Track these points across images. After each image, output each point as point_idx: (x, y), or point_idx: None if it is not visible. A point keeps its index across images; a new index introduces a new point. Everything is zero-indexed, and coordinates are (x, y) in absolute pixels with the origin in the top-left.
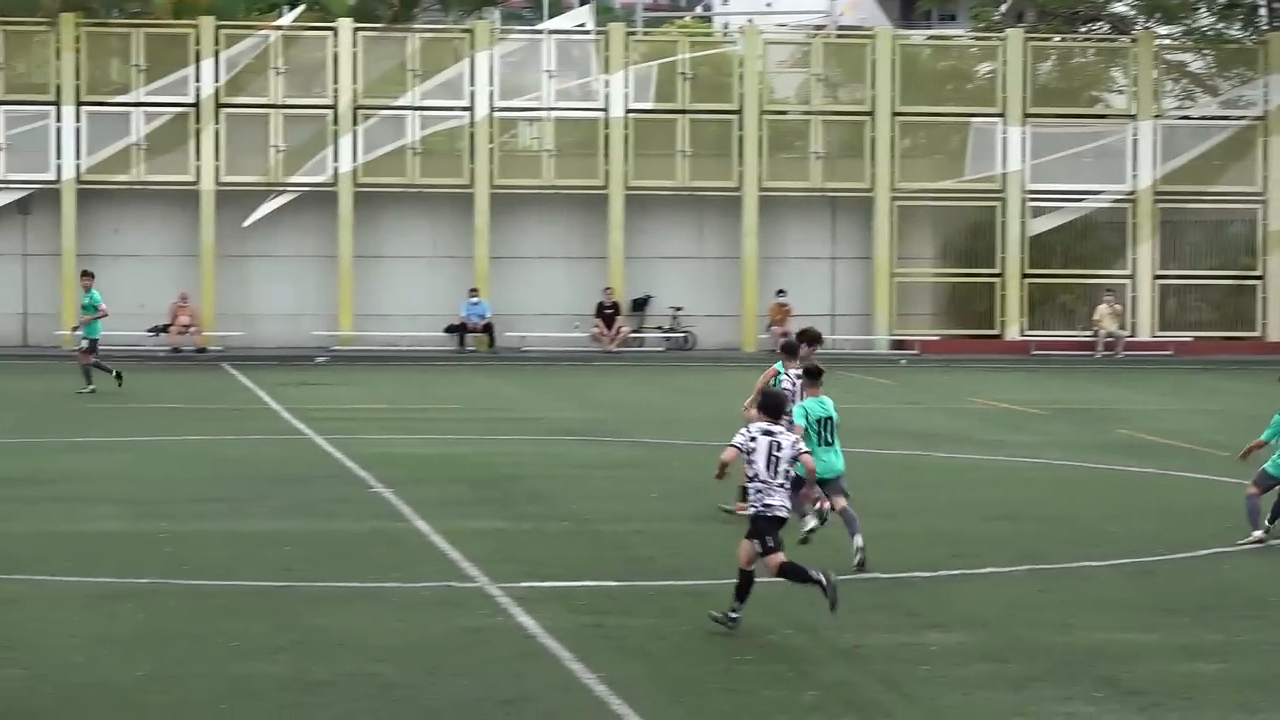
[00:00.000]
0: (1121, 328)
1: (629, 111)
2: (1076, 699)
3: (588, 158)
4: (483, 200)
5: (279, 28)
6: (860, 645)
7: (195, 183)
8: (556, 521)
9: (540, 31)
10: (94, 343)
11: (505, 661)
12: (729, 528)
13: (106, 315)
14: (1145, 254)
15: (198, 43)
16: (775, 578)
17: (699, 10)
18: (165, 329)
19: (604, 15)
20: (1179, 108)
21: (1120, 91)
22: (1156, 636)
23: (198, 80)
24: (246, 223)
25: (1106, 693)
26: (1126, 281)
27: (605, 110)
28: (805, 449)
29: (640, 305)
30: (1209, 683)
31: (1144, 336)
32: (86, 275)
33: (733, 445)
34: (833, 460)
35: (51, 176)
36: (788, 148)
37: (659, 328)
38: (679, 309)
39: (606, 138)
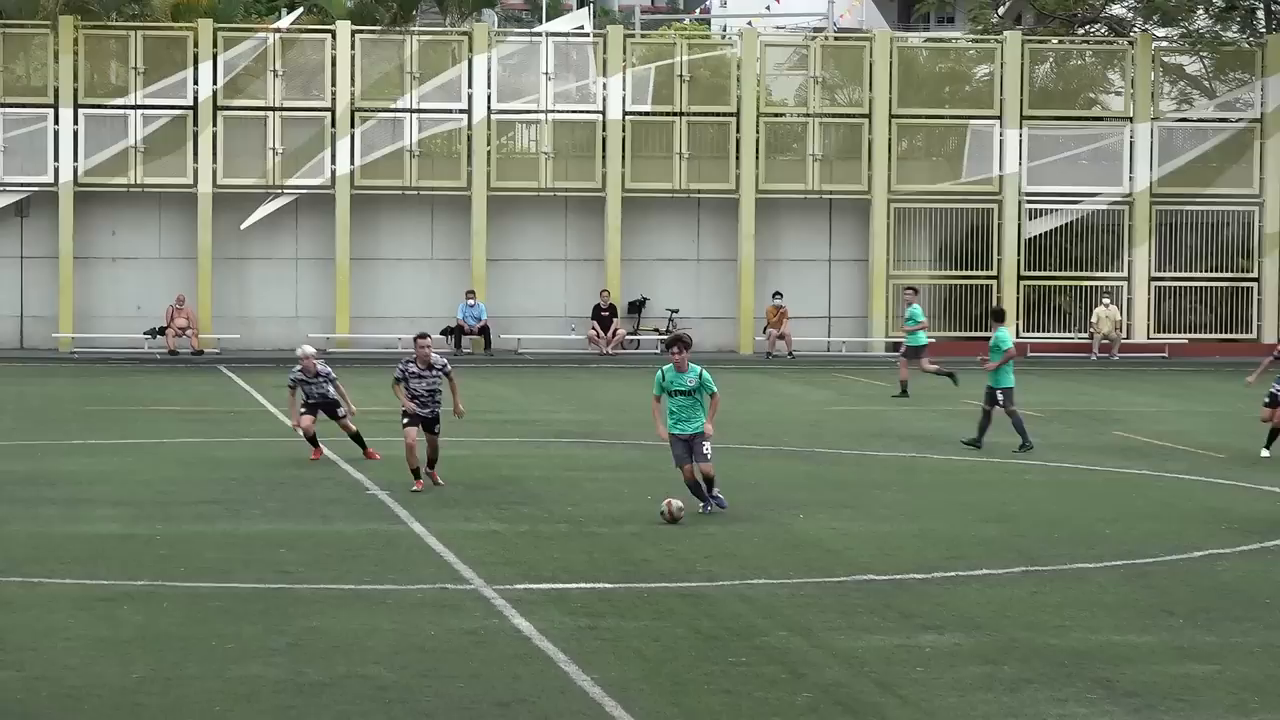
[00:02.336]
0: (1118, 330)
1: (626, 114)
2: (1071, 701)
3: (585, 160)
4: (480, 203)
5: (277, 30)
6: (856, 648)
7: (193, 185)
8: (552, 524)
9: (538, 34)
10: None
11: (501, 663)
12: (724, 530)
13: None
14: (1141, 256)
15: (196, 45)
16: None
17: (697, 13)
18: (162, 331)
19: (603, 18)
20: (1176, 110)
21: (1117, 94)
22: (1151, 638)
23: (196, 83)
24: (244, 225)
25: (1101, 694)
26: (1123, 284)
27: (603, 113)
28: None
29: (637, 308)
30: (1203, 684)
31: (1140, 339)
32: None
33: None
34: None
35: (49, 179)
36: (785, 150)
37: (655, 330)
38: (675, 311)
39: (604, 140)
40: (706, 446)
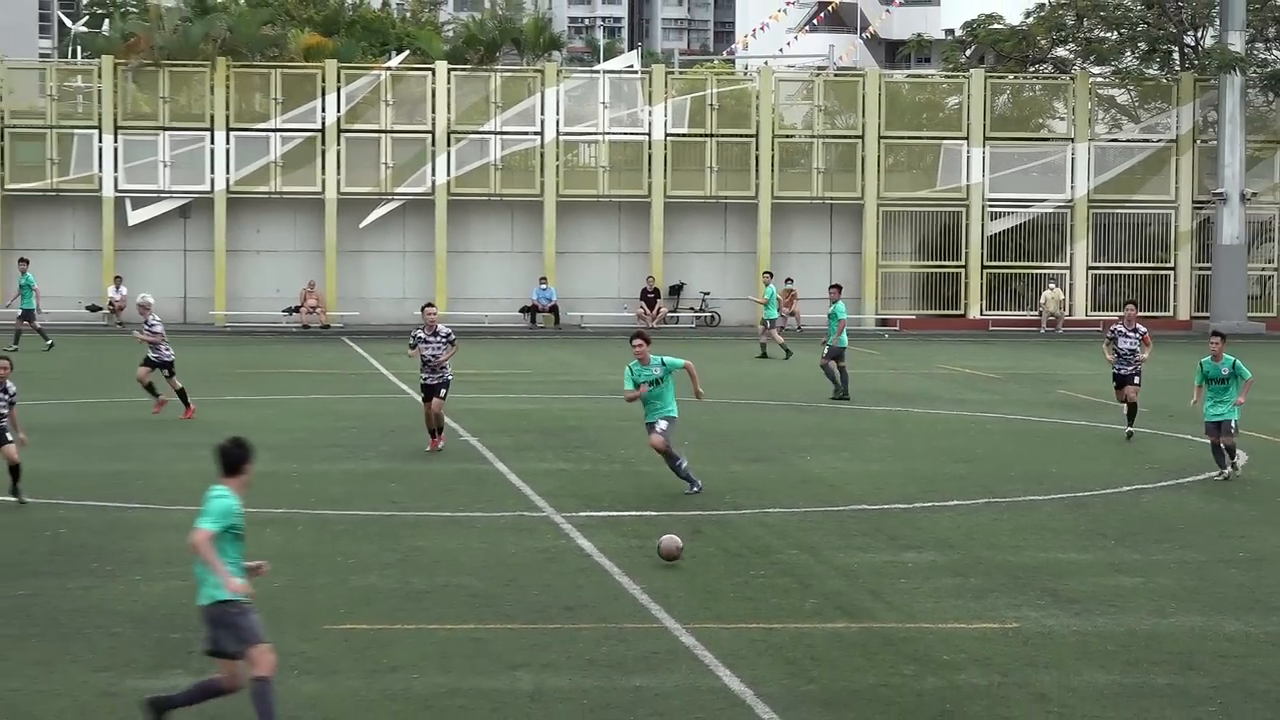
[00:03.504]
0: (1062, 309)
1: (668, 135)
2: (1024, 606)
3: (634, 172)
4: (550, 206)
5: (388, 68)
6: (852, 563)
7: (321, 192)
8: (609, 464)
9: (597, 71)
10: (29, 313)
11: (567, 575)
12: (746, 469)
13: (39, 293)
14: (1081, 250)
15: (323, 80)
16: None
17: (725, 55)
18: (297, 310)
19: (648, 58)
20: (1108, 132)
21: (1061, 119)
22: (1089, 556)
23: (323, 110)
24: (362, 224)
25: (1048, 600)
26: (1066, 271)
27: (649, 134)
28: None
29: (676, 291)
30: (1130, 593)
31: (1079, 316)
32: (23, 261)
33: None
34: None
35: (206, 188)
36: (795, 164)
37: (691, 309)
38: (707, 294)
39: (649, 156)
40: (662, 424)
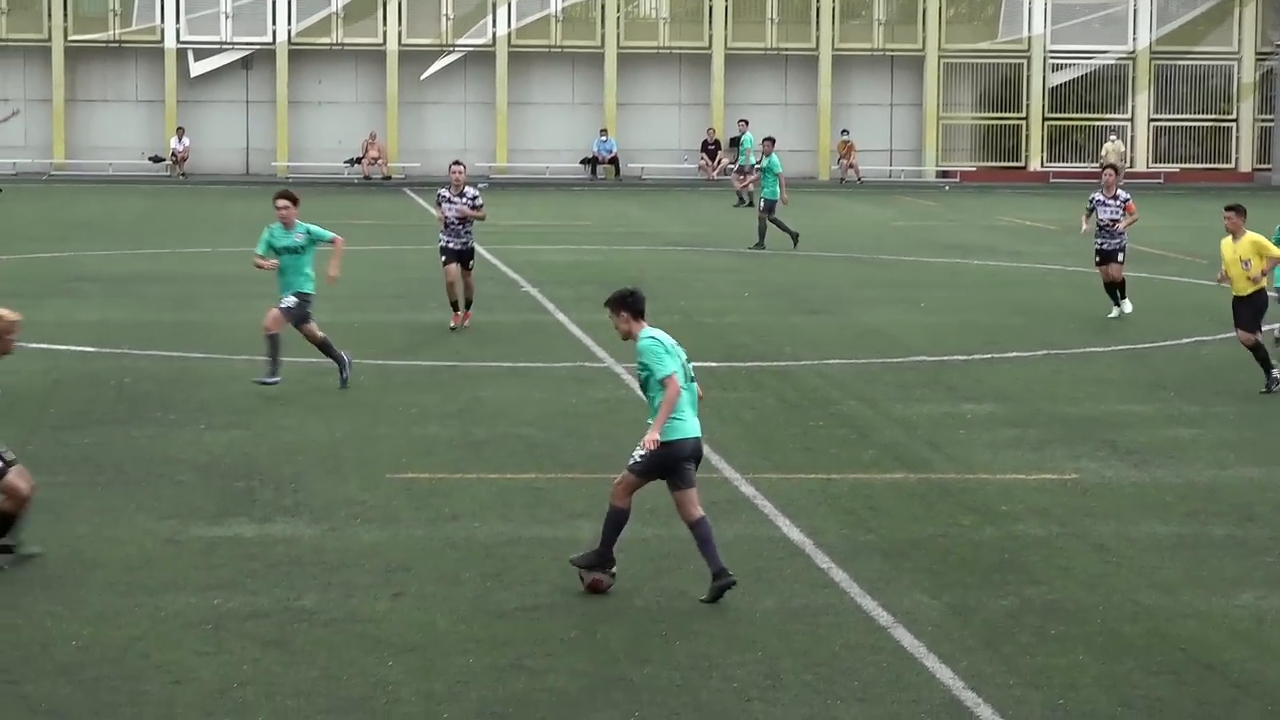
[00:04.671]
0: (1123, 160)
1: None
2: (1084, 457)
3: (695, 24)
4: (611, 58)
5: None
6: (910, 414)
7: (382, 44)
8: (669, 315)
9: None
10: None
11: (626, 425)
12: (806, 320)
13: None
14: (1142, 102)
15: None
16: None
17: None
18: (359, 161)
19: None
20: None
21: None
22: (1148, 408)
23: None
24: (423, 76)
25: (1107, 452)
26: (1127, 123)
27: None
28: None
29: (735, 143)
30: (1189, 444)
31: (1140, 168)
32: None
33: None
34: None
35: (268, 39)
36: (855, 16)
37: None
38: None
39: (709, 8)
40: (290, 300)
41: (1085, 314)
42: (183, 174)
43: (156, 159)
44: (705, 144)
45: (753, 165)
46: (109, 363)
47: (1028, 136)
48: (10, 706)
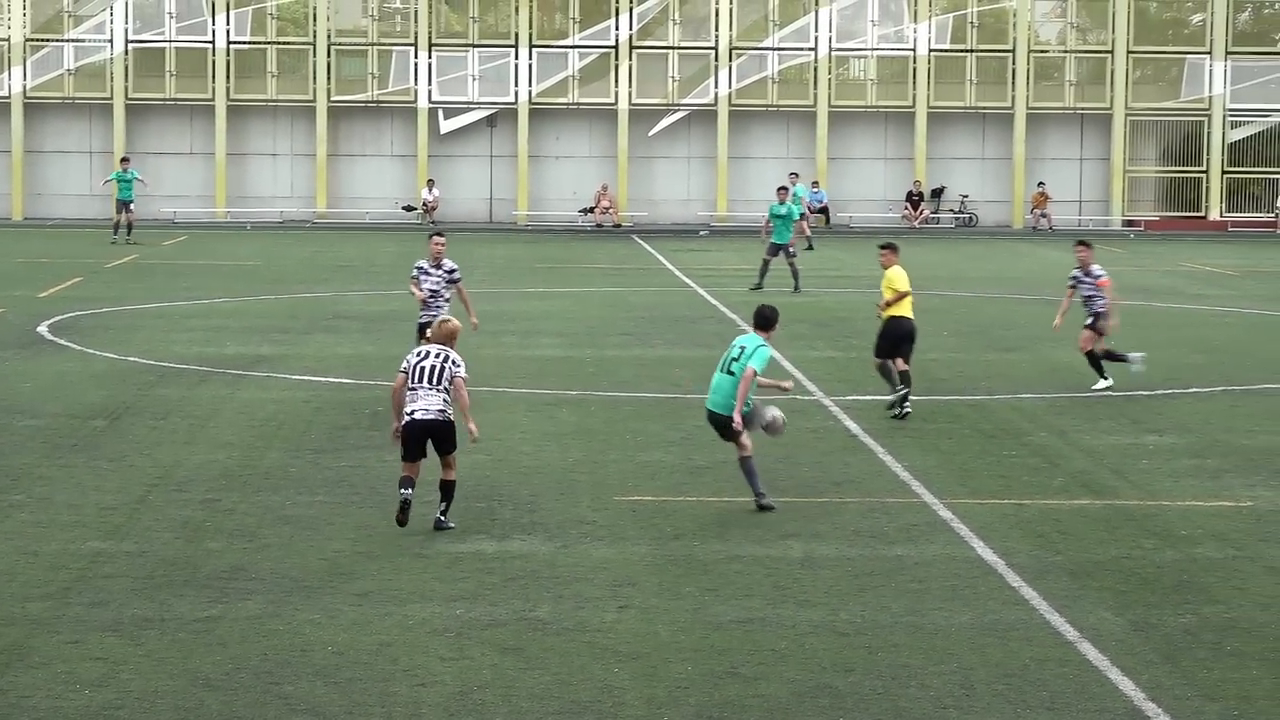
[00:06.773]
0: None
1: (931, 50)
2: (1258, 486)
3: (900, 85)
4: (823, 117)
5: None
6: (1097, 445)
7: (614, 104)
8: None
9: None
10: (128, 203)
11: (836, 454)
12: (1000, 357)
13: (145, 184)
14: None
15: (617, 1)
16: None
17: None
18: (591, 210)
19: None
20: None
21: None
22: None
23: (617, 28)
24: (651, 133)
25: None
26: None
27: (914, 50)
28: None
29: (937, 194)
30: None
31: None
32: (125, 160)
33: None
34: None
35: (511, 99)
36: (1048, 77)
37: (951, 210)
38: (966, 196)
39: (914, 70)
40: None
41: (1262, 353)
42: (433, 222)
43: (409, 208)
44: (910, 194)
45: (801, 214)
46: (364, 393)
47: (1208, 188)
48: (273, 705)
